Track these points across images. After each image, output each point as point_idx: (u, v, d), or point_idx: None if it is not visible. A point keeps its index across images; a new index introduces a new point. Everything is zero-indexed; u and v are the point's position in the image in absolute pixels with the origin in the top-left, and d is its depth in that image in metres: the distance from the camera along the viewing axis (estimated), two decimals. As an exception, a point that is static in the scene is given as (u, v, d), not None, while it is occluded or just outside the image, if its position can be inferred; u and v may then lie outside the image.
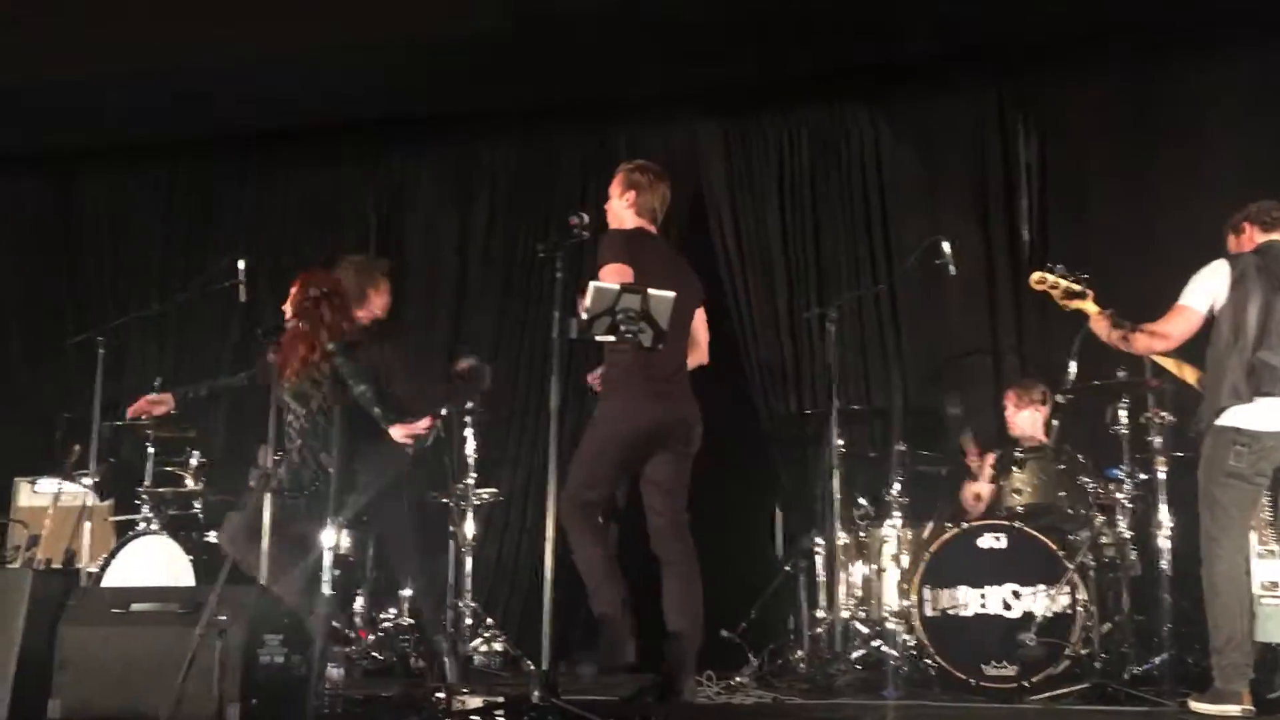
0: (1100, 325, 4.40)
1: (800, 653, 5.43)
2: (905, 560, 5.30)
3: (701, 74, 6.68)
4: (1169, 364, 4.71)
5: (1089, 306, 4.46)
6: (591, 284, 4.09)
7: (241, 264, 5.55)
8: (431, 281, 7.32)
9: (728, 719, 4.23)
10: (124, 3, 6.08)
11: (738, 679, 4.80)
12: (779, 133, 6.87)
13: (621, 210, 4.53)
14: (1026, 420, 5.52)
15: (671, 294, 4.01)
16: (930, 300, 6.41)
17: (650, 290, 4.04)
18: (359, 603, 5.77)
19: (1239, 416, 4.07)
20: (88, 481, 5.83)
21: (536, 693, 3.68)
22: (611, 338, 3.97)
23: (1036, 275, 4.56)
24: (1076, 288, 4.47)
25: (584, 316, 4.01)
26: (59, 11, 6.11)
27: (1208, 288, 4.20)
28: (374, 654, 5.59)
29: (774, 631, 5.63)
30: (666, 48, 6.43)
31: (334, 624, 5.51)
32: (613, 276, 4.04)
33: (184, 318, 7.52)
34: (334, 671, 4.04)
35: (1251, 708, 3.93)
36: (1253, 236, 4.28)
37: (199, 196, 7.79)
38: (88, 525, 5.60)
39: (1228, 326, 4.13)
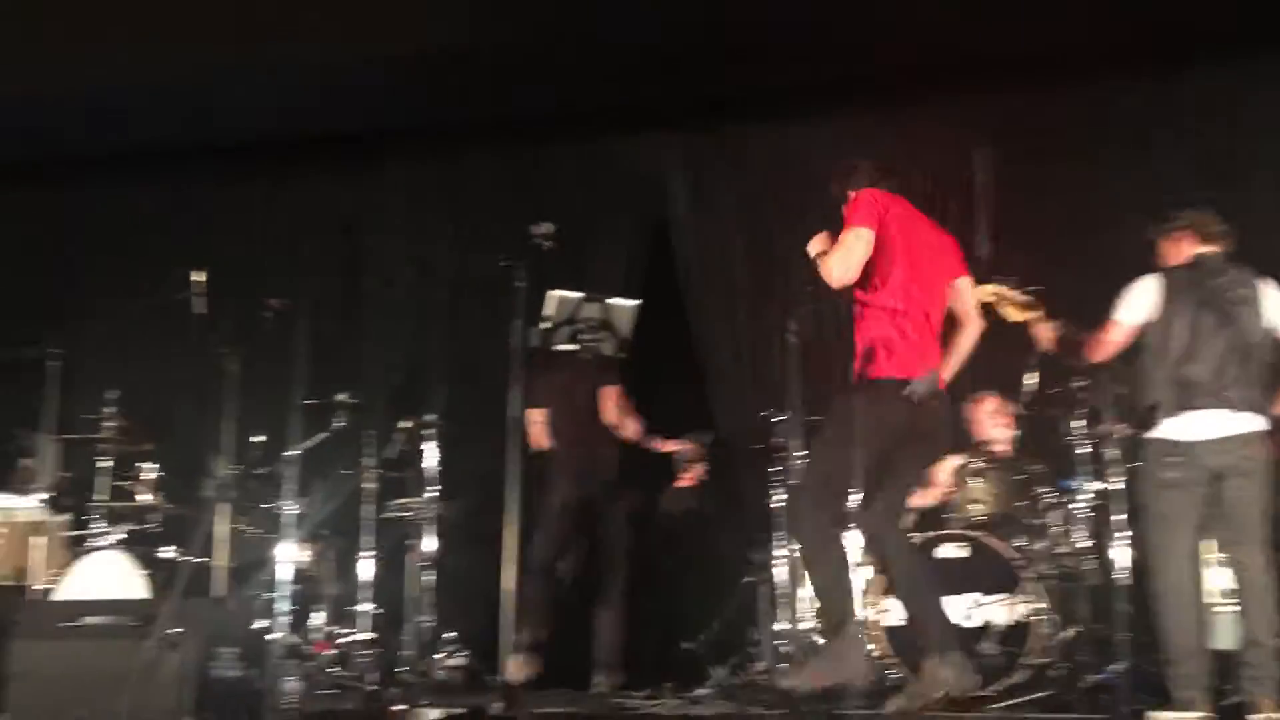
0: (1047, 334, 4.45)
1: (762, 665, 5.41)
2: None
3: (657, 91, 6.72)
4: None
5: (1037, 318, 4.48)
6: (551, 293, 4.08)
7: (196, 276, 5.45)
8: (392, 294, 7.28)
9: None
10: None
11: (699, 691, 4.78)
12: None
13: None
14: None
15: (634, 302, 4.00)
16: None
17: (610, 300, 4.03)
18: (318, 617, 5.71)
19: (1168, 429, 4.13)
20: (39, 497, 5.73)
21: (495, 705, 3.66)
22: (574, 347, 3.97)
23: (990, 287, 4.58)
24: (1024, 299, 4.50)
25: (544, 326, 4.01)
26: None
27: (1139, 302, 4.25)
28: (332, 669, 5.52)
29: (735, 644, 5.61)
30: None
31: (293, 638, 5.46)
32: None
33: (140, 331, 7.39)
34: (291, 685, 3.99)
35: (1213, 715, 3.95)
36: (1189, 247, 4.31)
37: (160, 208, 7.67)
38: (40, 541, 5.51)
39: (1156, 341, 4.19)
